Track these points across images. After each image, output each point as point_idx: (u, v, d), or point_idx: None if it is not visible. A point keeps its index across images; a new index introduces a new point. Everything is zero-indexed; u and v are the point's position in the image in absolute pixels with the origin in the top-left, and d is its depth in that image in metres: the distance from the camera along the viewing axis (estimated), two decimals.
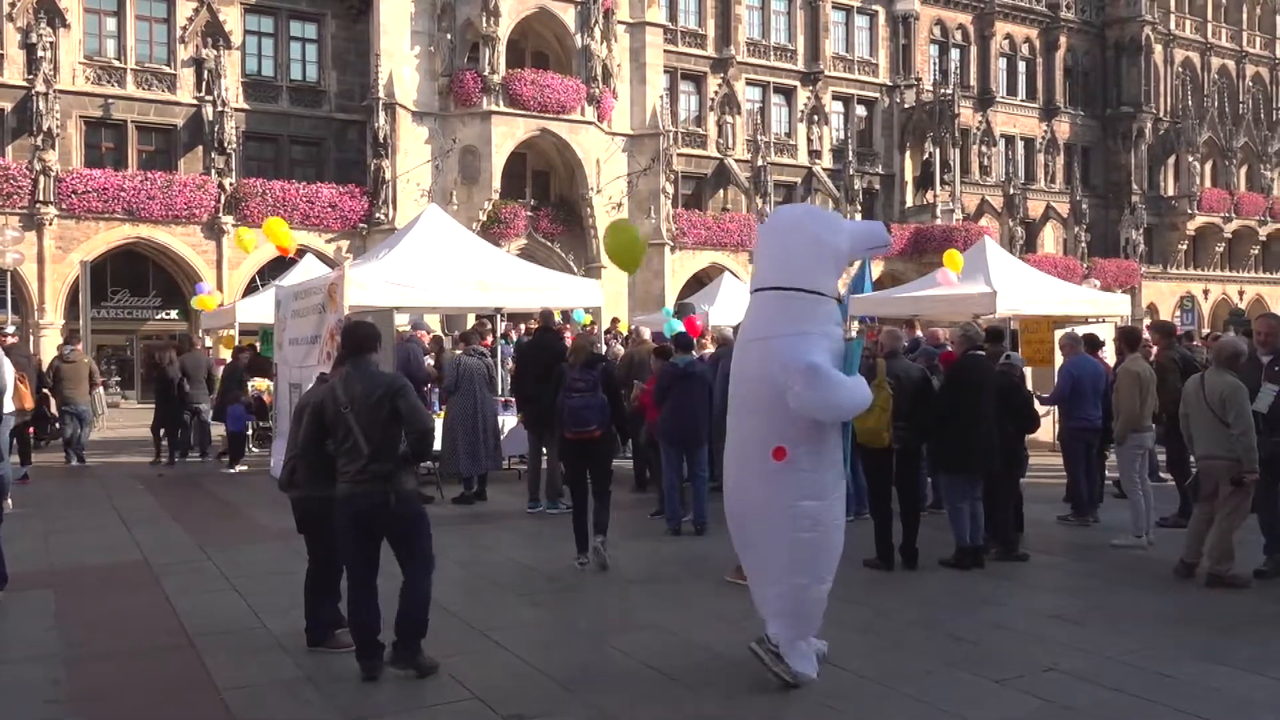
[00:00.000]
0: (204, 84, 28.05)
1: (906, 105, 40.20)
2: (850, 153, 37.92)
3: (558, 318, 15.07)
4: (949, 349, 9.26)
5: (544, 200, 31.84)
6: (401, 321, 13.46)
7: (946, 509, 7.96)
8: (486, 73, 29.03)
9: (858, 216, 36.02)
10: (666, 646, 5.65)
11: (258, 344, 16.42)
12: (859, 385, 5.07)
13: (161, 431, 14.64)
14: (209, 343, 18.73)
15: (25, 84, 26.08)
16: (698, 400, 8.81)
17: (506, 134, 29.47)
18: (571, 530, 7.65)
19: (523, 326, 16.06)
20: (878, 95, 40.17)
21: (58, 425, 14.91)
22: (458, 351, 11.28)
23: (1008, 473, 7.85)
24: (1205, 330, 35.93)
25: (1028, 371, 10.31)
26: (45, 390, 14.53)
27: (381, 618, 5.13)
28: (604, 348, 14.09)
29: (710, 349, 11.44)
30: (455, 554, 7.74)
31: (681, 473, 9.17)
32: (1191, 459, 7.58)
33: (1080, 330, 10.99)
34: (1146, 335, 11.02)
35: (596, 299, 14.27)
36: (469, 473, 10.60)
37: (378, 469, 4.97)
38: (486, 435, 10.35)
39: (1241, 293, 46.89)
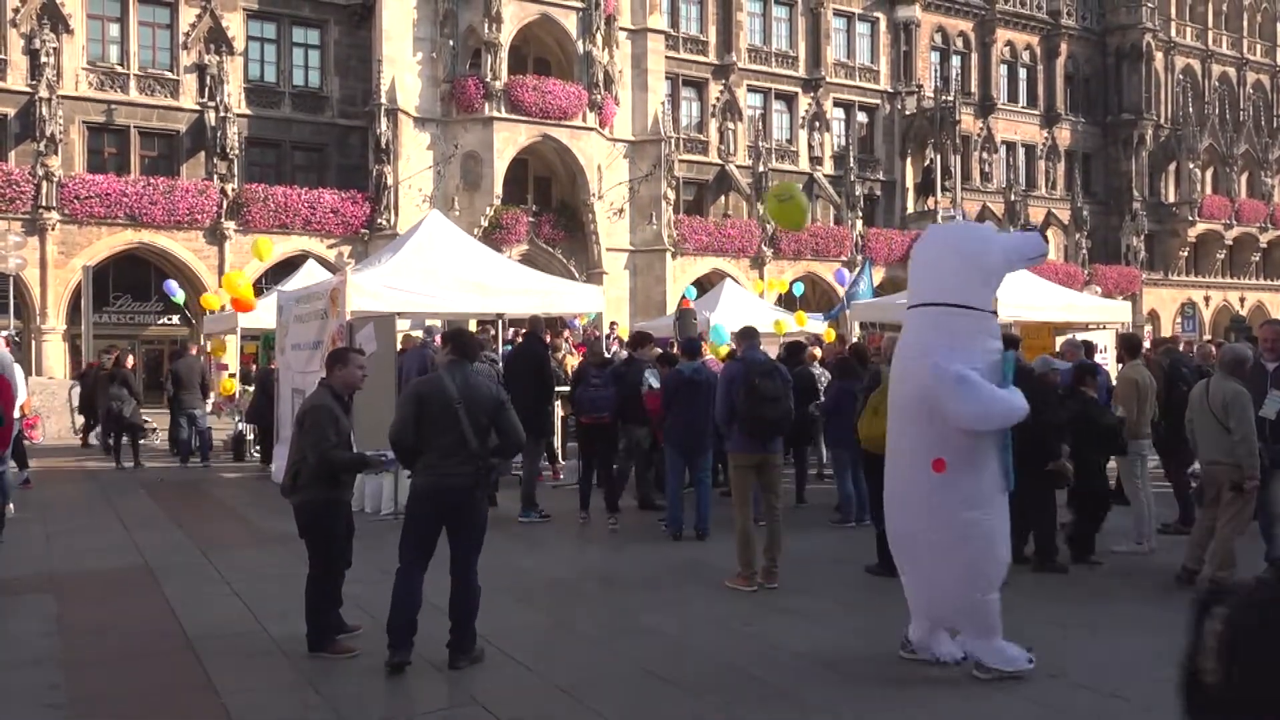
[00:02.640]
0: (207, 90, 28.09)
1: (908, 112, 40.22)
2: (851, 159, 37.91)
3: (585, 323, 15.17)
4: None
5: (545, 206, 31.87)
6: (403, 327, 13.48)
7: None
8: (488, 79, 29.07)
9: (859, 223, 36.11)
10: (666, 651, 5.65)
11: (258, 349, 16.46)
12: (1012, 396, 5.14)
13: (110, 438, 15.08)
14: (210, 347, 18.76)
15: (28, 89, 26.11)
16: (704, 407, 8.82)
17: (508, 140, 29.51)
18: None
19: (512, 331, 16.03)
20: (879, 102, 40.19)
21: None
22: None
23: (1038, 483, 7.37)
24: (1206, 337, 35.95)
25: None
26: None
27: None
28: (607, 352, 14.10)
29: (709, 356, 11.45)
30: None
31: (684, 478, 9.18)
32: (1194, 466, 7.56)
33: (1080, 337, 11.01)
34: (1146, 343, 11.02)
35: (598, 304, 14.29)
36: None
37: (480, 464, 5.25)
38: None
39: (1243, 299, 46.86)
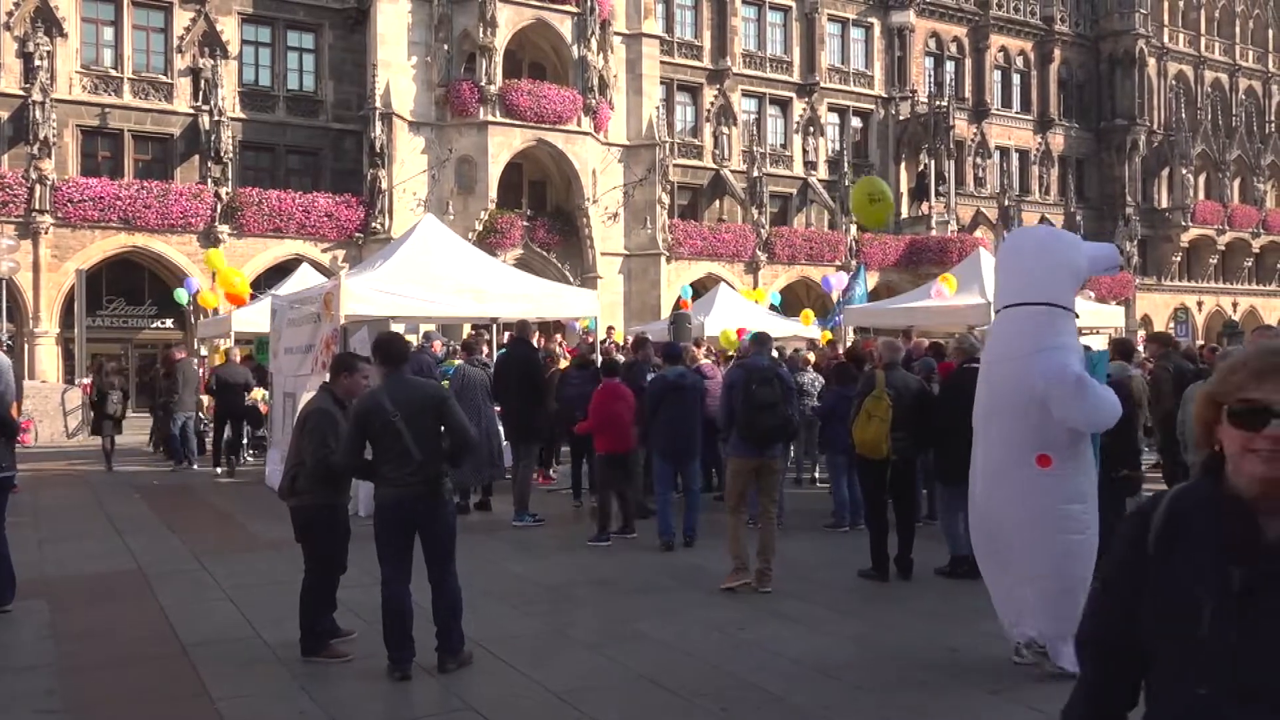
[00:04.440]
0: (201, 93, 28.04)
1: (902, 117, 40.33)
2: (845, 164, 37.93)
3: (593, 328, 15.21)
4: (948, 359, 9.26)
5: (540, 210, 31.85)
6: (397, 331, 13.44)
7: (941, 520, 7.96)
8: (483, 83, 29.07)
9: (853, 228, 36.15)
10: (661, 657, 5.64)
11: (253, 352, 16.42)
12: (1112, 395, 5.21)
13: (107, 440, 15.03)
14: (204, 351, 18.72)
15: (22, 93, 26.04)
16: (690, 412, 8.80)
17: (503, 144, 29.50)
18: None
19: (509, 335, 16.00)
20: (873, 107, 40.29)
21: None
22: (458, 361, 11.32)
23: (1108, 488, 7.41)
24: (1199, 342, 36.05)
25: None
26: None
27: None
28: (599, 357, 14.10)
29: (703, 360, 11.44)
30: None
31: (673, 486, 9.17)
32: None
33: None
34: (1140, 348, 11.04)
35: (592, 309, 14.28)
36: (471, 483, 10.61)
37: (430, 472, 5.19)
38: (489, 445, 10.39)
39: (1235, 304, 47.03)
